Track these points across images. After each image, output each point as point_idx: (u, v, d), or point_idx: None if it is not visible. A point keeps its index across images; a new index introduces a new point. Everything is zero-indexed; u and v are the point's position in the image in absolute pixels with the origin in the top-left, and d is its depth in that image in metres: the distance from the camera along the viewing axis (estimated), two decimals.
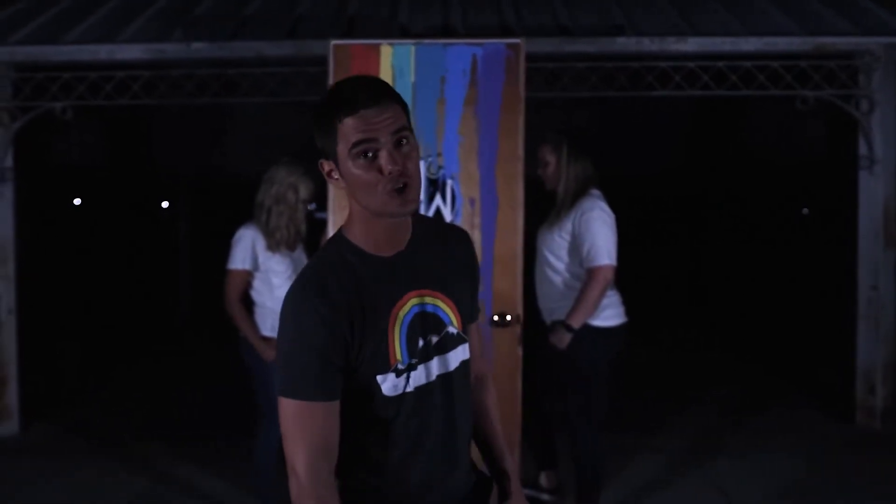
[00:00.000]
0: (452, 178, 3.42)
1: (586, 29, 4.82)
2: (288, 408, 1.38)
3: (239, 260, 3.38)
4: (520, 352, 3.40)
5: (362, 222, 1.44)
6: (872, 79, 4.78)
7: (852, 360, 4.98)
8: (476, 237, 3.42)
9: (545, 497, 3.64)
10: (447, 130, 3.39)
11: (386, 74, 3.44)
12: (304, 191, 3.44)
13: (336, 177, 1.43)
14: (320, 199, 3.63)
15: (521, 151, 3.41)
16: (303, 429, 1.36)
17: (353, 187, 1.41)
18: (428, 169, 3.41)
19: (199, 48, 4.74)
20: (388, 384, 1.42)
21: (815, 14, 4.99)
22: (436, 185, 3.43)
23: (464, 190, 3.43)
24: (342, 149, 1.39)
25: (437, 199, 3.42)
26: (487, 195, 3.42)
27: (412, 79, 3.43)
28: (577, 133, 3.46)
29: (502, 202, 3.43)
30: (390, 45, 3.47)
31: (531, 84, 4.27)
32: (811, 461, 4.33)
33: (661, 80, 4.87)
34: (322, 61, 3.98)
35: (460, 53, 3.43)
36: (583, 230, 3.24)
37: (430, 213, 3.40)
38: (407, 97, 3.42)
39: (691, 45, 4.70)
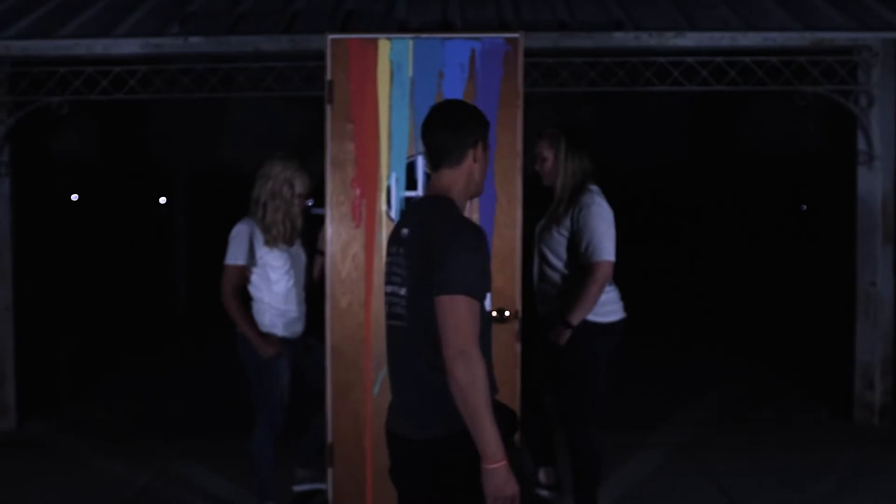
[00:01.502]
0: None
1: (584, 24, 4.80)
2: (469, 305, 1.85)
3: (235, 255, 3.36)
4: (518, 348, 3.39)
5: (462, 198, 2.06)
6: (871, 74, 4.76)
7: (851, 357, 4.98)
8: None
9: (544, 493, 3.63)
10: None
11: (384, 69, 3.42)
12: (300, 185, 3.42)
13: (478, 156, 2.07)
14: (317, 194, 3.60)
15: (519, 147, 3.39)
16: (474, 321, 1.86)
17: (478, 168, 2.07)
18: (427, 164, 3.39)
19: (196, 43, 4.71)
20: (488, 302, 2.00)
21: (813, 9, 4.97)
22: None
23: None
24: (484, 143, 2.09)
25: None
26: (485, 190, 3.40)
27: (410, 73, 3.41)
28: (575, 129, 3.43)
29: (500, 197, 3.41)
30: (388, 39, 3.44)
31: (529, 79, 4.25)
32: (809, 457, 4.33)
33: (659, 75, 4.85)
34: (319, 56, 3.95)
35: (458, 48, 3.41)
36: (582, 226, 3.23)
37: None
38: (405, 92, 3.41)
39: (690, 40, 4.69)
